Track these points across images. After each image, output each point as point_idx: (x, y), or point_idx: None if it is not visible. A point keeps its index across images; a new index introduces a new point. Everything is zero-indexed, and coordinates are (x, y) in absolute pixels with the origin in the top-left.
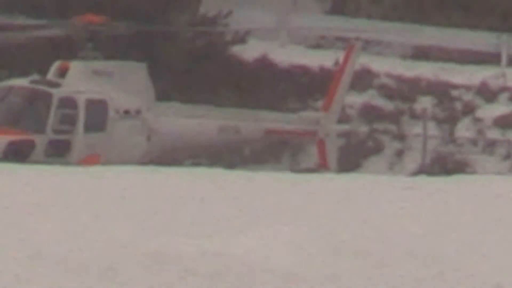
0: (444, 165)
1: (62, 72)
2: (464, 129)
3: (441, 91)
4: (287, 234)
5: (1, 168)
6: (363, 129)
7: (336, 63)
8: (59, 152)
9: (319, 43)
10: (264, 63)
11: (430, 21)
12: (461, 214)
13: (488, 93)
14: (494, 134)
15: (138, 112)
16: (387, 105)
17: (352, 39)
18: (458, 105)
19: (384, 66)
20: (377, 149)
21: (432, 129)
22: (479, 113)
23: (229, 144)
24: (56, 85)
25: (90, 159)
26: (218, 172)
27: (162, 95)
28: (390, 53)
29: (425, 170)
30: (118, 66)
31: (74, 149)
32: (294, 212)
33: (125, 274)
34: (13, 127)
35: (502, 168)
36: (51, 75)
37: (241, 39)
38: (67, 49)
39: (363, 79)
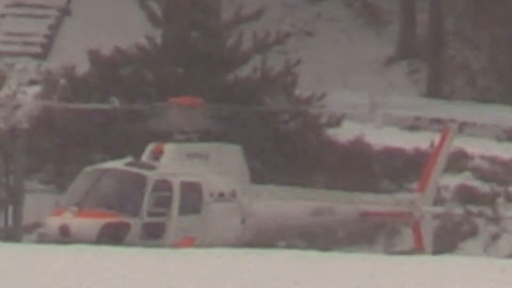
0: None
1: (157, 155)
2: None
3: None
4: None
5: (96, 251)
6: (458, 211)
7: (432, 145)
8: (153, 234)
9: (414, 125)
10: (359, 145)
11: None
12: None
13: None
14: None
15: (233, 194)
16: (482, 187)
17: (447, 121)
18: None
19: (479, 148)
20: (472, 232)
21: None
22: None
23: (323, 226)
24: (151, 167)
25: (185, 242)
26: (312, 255)
27: (256, 177)
28: (485, 135)
29: None
30: (213, 148)
31: (169, 232)
32: None
33: None
34: (108, 210)
35: None
36: (145, 157)
37: (336, 122)
38: (160, 132)
39: (458, 161)
